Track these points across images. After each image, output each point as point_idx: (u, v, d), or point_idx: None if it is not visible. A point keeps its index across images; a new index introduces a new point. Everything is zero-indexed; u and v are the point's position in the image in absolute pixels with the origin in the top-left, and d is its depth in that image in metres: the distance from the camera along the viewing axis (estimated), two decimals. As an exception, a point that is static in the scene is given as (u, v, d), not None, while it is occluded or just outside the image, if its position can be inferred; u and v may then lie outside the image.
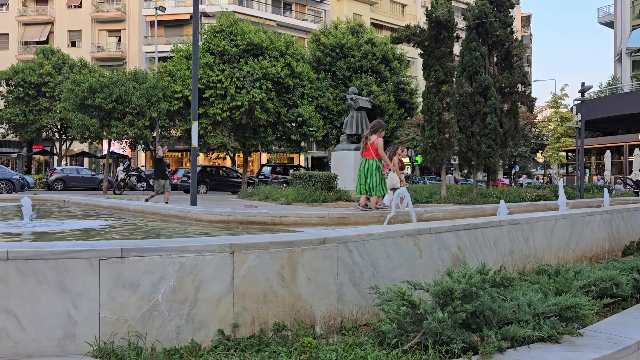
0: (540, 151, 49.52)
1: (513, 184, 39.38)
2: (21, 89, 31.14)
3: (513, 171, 47.48)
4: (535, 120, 45.03)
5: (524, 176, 44.25)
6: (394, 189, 8.49)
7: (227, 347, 3.13)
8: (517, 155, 41.62)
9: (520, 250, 5.47)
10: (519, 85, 21.14)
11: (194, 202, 9.53)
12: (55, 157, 36.44)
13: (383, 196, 8.16)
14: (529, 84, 22.95)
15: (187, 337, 3.12)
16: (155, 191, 13.68)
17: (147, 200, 12.55)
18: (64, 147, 35.11)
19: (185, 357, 2.97)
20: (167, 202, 12.85)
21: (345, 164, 17.84)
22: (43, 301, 2.93)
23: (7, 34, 43.33)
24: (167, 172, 14.10)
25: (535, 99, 22.99)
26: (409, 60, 33.71)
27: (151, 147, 36.22)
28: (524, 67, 22.28)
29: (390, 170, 9.05)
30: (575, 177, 34.06)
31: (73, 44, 42.95)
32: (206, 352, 3.05)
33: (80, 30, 43.00)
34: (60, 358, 2.90)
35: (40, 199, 11.37)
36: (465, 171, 18.77)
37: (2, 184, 20.36)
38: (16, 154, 41.36)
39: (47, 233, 6.04)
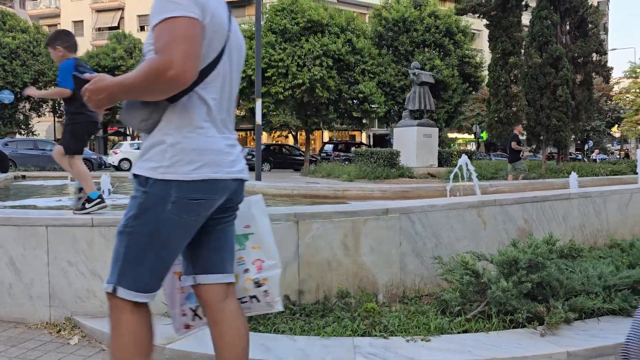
0: (617, 125, 46.65)
1: (585, 160, 37.51)
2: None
3: (586, 146, 45.07)
4: (612, 92, 42.39)
5: (597, 151, 41.89)
6: None
7: (293, 311, 3.26)
8: (591, 130, 39.48)
9: (592, 224, 5.26)
10: (594, 54, 19.97)
11: (258, 178, 9.79)
12: (129, 138, 38.26)
13: None
14: (605, 53, 21.54)
15: (255, 301, 3.27)
16: (522, 171, 12.35)
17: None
18: (135, 128, 36.77)
19: (253, 319, 3.12)
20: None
21: (408, 140, 17.59)
22: (124, 264, 3.15)
23: (82, 21, 45.58)
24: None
25: (612, 68, 21.65)
26: (474, 33, 32.49)
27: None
28: (600, 35, 21.01)
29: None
30: (656, 151, 31.90)
31: (142, 28, 44.54)
32: (273, 316, 3.19)
33: (148, 15, 44.43)
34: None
35: (115, 176, 12.01)
36: (534, 146, 18.09)
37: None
38: (93, 136, 43.80)
39: (125, 205, 6.43)
